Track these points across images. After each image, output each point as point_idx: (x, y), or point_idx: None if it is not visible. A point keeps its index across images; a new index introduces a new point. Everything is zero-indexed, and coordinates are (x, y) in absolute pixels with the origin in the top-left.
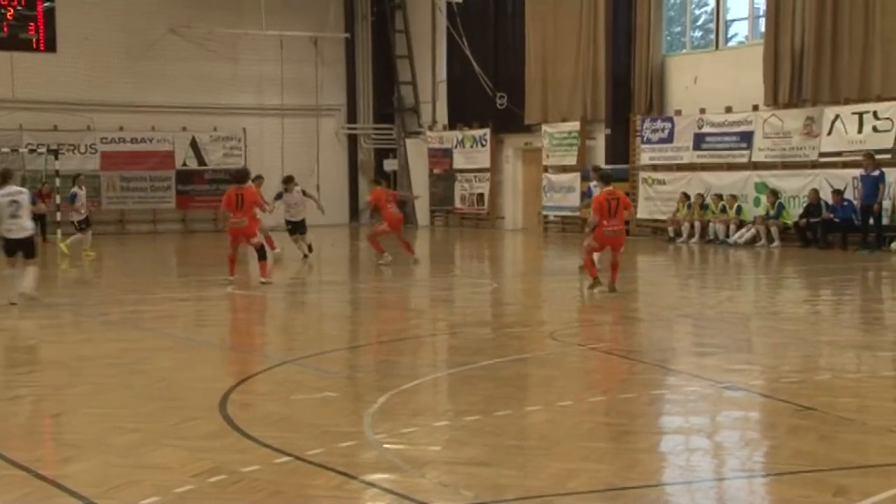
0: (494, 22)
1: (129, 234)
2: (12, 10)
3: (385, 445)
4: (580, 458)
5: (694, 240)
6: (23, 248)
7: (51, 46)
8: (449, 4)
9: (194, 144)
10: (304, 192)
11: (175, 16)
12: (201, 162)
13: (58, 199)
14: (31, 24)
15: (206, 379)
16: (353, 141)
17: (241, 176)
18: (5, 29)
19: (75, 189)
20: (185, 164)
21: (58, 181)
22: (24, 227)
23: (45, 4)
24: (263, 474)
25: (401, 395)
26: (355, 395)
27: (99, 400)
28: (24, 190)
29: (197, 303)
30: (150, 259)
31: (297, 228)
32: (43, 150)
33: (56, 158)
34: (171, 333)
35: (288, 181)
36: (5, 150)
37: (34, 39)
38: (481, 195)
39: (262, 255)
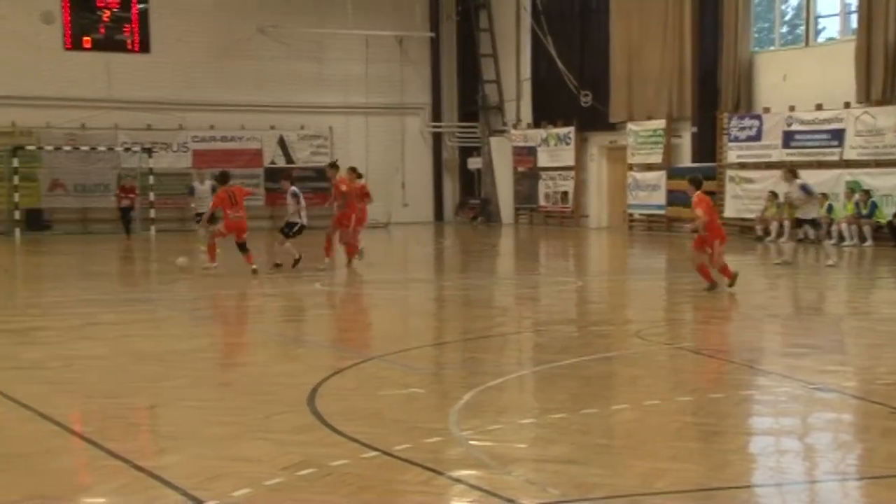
0: (579, 19)
1: None
2: (109, 13)
3: (471, 442)
4: (668, 457)
5: (783, 238)
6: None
7: (145, 47)
8: (534, 2)
9: (282, 143)
10: (214, 188)
11: (264, 16)
12: (289, 160)
13: (151, 196)
14: (127, 25)
15: (294, 374)
16: (437, 139)
17: (223, 177)
18: (102, 31)
19: (195, 183)
20: (273, 162)
21: (151, 179)
22: None
23: (140, 6)
24: (352, 468)
25: (486, 392)
26: (441, 392)
27: (192, 393)
28: None
29: (285, 298)
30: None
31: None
32: (137, 148)
33: (150, 157)
34: (260, 329)
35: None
36: (101, 148)
37: (129, 41)
38: (565, 193)
39: (245, 248)
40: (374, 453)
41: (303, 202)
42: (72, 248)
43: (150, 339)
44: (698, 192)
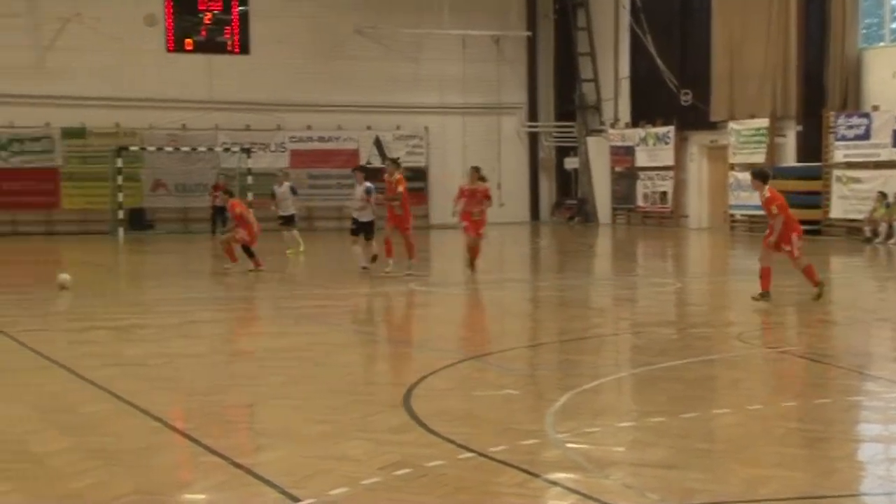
0: (680, 15)
1: (317, 230)
2: (210, 15)
3: (568, 445)
4: (773, 463)
5: (893, 240)
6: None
7: (245, 49)
8: (633, 0)
9: (378, 143)
10: (292, 189)
11: (361, 17)
12: (385, 160)
13: (249, 196)
14: (227, 27)
15: (390, 374)
16: (533, 139)
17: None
18: (203, 32)
19: (275, 186)
20: (369, 163)
21: (250, 179)
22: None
23: (240, 8)
24: (448, 469)
25: (583, 394)
26: (537, 394)
27: (289, 391)
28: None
29: (380, 298)
30: (337, 255)
31: (286, 223)
32: (236, 149)
33: (248, 157)
34: (356, 328)
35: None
36: (202, 149)
37: (229, 42)
38: (664, 193)
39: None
40: (469, 454)
41: (374, 199)
42: (173, 247)
43: (246, 338)
44: (768, 187)
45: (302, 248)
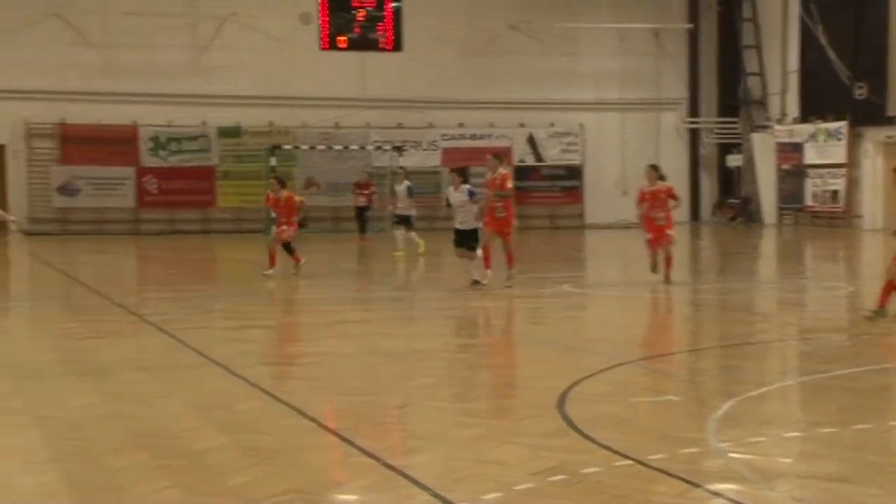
0: (854, 5)
1: None
2: (364, 12)
3: (731, 454)
4: None
5: None
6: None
7: (398, 46)
8: None
9: (531, 140)
10: (409, 190)
11: (515, 12)
12: (538, 158)
13: (398, 193)
14: (380, 24)
15: (543, 377)
16: (694, 136)
17: (283, 183)
18: (356, 30)
19: (395, 184)
20: (522, 161)
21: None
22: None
23: (394, 5)
24: (604, 477)
25: (747, 402)
26: (698, 400)
27: (440, 393)
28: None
29: (534, 300)
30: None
31: (401, 222)
32: (388, 147)
33: (400, 155)
34: (509, 330)
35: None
36: (354, 147)
37: (382, 39)
38: (835, 192)
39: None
40: (626, 462)
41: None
42: (323, 246)
43: (397, 338)
44: None
45: (421, 250)
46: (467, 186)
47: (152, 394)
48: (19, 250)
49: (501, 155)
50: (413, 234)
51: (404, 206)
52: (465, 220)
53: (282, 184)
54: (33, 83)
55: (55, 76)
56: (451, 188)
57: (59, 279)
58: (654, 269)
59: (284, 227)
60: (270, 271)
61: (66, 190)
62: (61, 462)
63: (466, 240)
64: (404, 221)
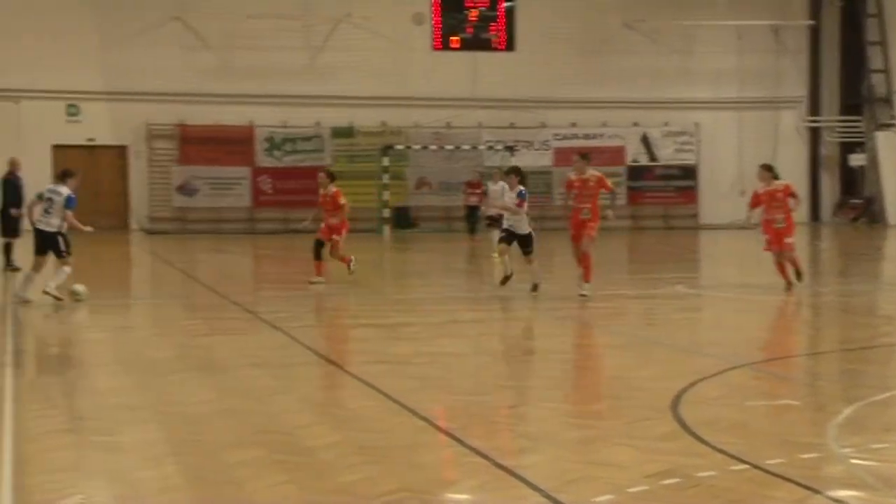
0: None
1: None
2: (476, 12)
3: (853, 460)
4: None
5: None
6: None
7: (510, 45)
8: None
9: (645, 140)
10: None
11: (630, 10)
12: (652, 158)
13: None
14: (493, 24)
15: (657, 378)
16: (814, 135)
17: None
18: (469, 30)
19: (489, 182)
20: (635, 160)
21: None
22: (50, 223)
23: (507, 4)
24: (720, 481)
25: (870, 406)
26: (817, 405)
27: (552, 394)
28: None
29: (647, 301)
30: (600, 256)
31: (495, 223)
32: (500, 147)
33: (512, 155)
34: (621, 331)
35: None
36: (465, 147)
37: (495, 39)
38: None
39: (318, 255)
40: (743, 466)
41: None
42: (435, 246)
43: (509, 339)
44: None
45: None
46: (522, 189)
47: (268, 390)
48: (140, 249)
49: (588, 155)
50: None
51: (498, 206)
52: (516, 222)
53: (331, 177)
54: (154, 85)
55: (175, 78)
56: (505, 186)
57: (178, 277)
58: (798, 276)
59: (335, 237)
60: (352, 267)
61: (185, 189)
62: (180, 456)
63: (521, 244)
64: (498, 221)
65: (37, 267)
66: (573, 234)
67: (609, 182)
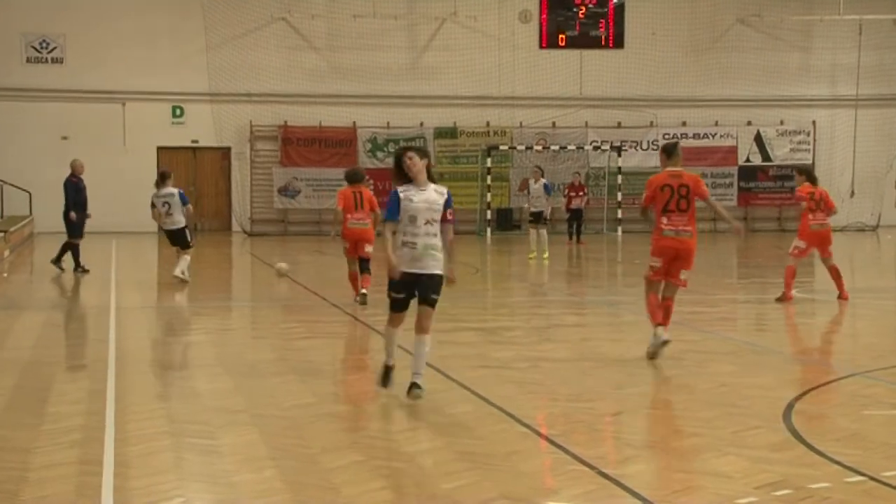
0: None
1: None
2: (584, 9)
3: None
4: None
5: None
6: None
7: (619, 43)
8: None
9: (759, 139)
10: (546, 188)
11: (744, 5)
12: (766, 157)
13: (619, 196)
14: (602, 21)
15: (768, 387)
16: None
17: (353, 176)
18: (577, 27)
19: (530, 181)
20: (748, 160)
21: (619, 178)
22: (175, 221)
23: (616, 1)
24: (833, 493)
25: None
26: None
27: (658, 401)
28: (174, 191)
29: (758, 306)
30: (710, 259)
31: (536, 220)
32: (606, 147)
33: (619, 155)
34: (731, 337)
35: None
36: (571, 147)
37: (603, 36)
38: None
39: (366, 269)
40: (859, 478)
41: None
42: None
43: (613, 344)
44: None
45: (546, 255)
46: (544, 181)
47: (367, 395)
48: (241, 250)
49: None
50: (544, 234)
51: (539, 203)
52: (539, 205)
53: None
54: (258, 86)
55: (278, 79)
56: (531, 180)
57: (278, 279)
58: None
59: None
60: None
61: (287, 191)
62: (279, 460)
63: (537, 219)
64: (537, 219)
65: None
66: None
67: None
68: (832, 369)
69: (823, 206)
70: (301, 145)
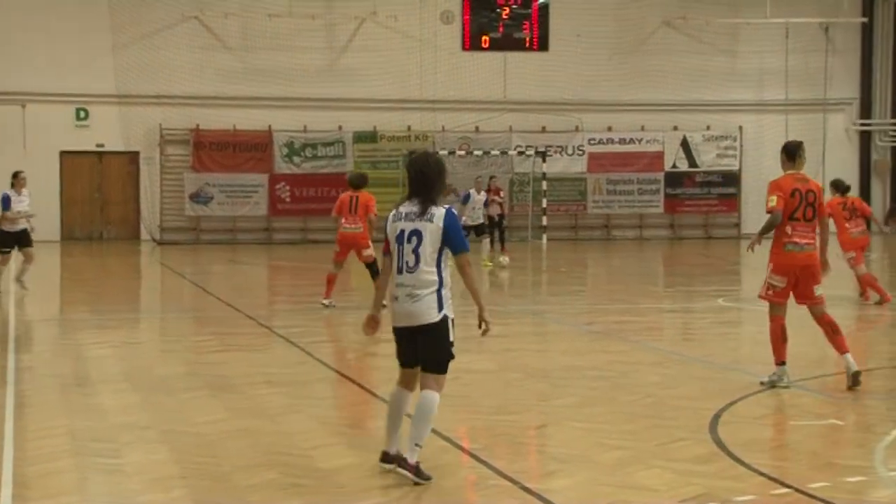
0: None
1: (614, 239)
2: (508, 10)
3: None
4: None
5: None
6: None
7: (543, 45)
8: None
9: (685, 144)
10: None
11: (670, 7)
12: (692, 163)
13: (544, 203)
14: (526, 22)
15: (694, 397)
16: (866, 139)
17: (356, 181)
18: (500, 28)
19: (471, 191)
20: (674, 166)
21: (544, 184)
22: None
23: (540, 1)
24: None
25: None
26: (864, 425)
27: (583, 413)
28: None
29: (684, 315)
30: (636, 267)
31: (479, 232)
32: (531, 152)
33: (544, 161)
34: (657, 347)
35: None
36: (495, 152)
37: (527, 38)
38: None
39: (375, 272)
40: (784, 490)
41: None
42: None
43: (538, 355)
44: None
45: (492, 262)
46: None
47: (282, 409)
48: (151, 260)
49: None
50: (486, 243)
51: (477, 216)
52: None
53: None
54: (168, 88)
55: (190, 81)
56: (472, 191)
57: (189, 290)
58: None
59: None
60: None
61: (199, 197)
62: (189, 479)
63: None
64: (480, 231)
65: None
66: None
67: None
68: (759, 379)
69: (858, 213)
70: (214, 149)
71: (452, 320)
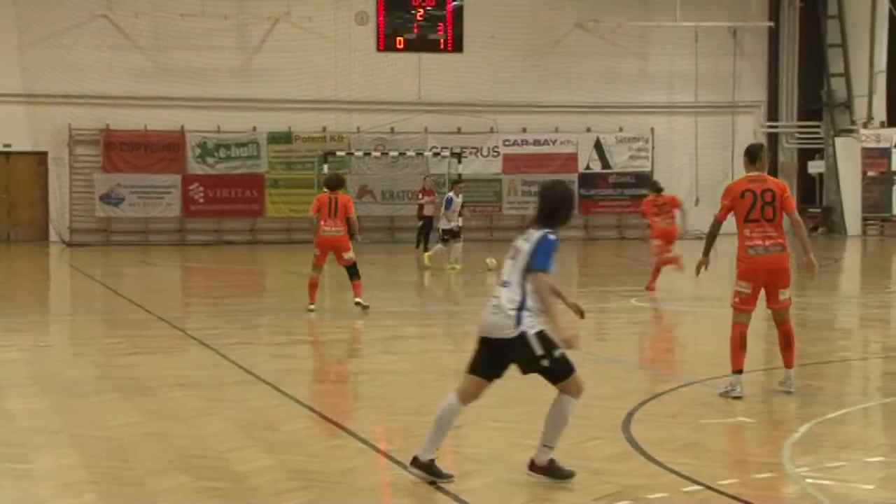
0: None
1: None
2: (423, 11)
3: (808, 480)
4: None
5: None
6: None
7: (458, 46)
8: None
9: (598, 146)
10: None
11: (583, 10)
12: (605, 164)
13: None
14: (440, 24)
15: (607, 397)
16: (773, 140)
17: (332, 182)
18: (415, 30)
19: (451, 195)
20: (588, 167)
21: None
22: None
23: (454, 3)
24: (671, 503)
25: (826, 424)
26: (772, 423)
27: (499, 413)
28: None
29: (598, 315)
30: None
31: (455, 235)
32: (446, 153)
33: (459, 162)
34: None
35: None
36: (411, 153)
37: (442, 40)
38: None
39: (355, 274)
40: (695, 487)
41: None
42: (377, 258)
43: (453, 355)
44: None
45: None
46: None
47: (195, 412)
48: (60, 262)
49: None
50: (459, 247)
51: (455, 218)
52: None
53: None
54: (77, 87)
55: (100, 80)
56: (451, 194)
57: (100, 292)
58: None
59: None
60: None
61: (110, 198)
62: (100, 484)
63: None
64: (456, 234)
65: None
66: None
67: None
68: (671, 378)
69: (668, 208)
70: (125, 150)
71: (537, 334)
